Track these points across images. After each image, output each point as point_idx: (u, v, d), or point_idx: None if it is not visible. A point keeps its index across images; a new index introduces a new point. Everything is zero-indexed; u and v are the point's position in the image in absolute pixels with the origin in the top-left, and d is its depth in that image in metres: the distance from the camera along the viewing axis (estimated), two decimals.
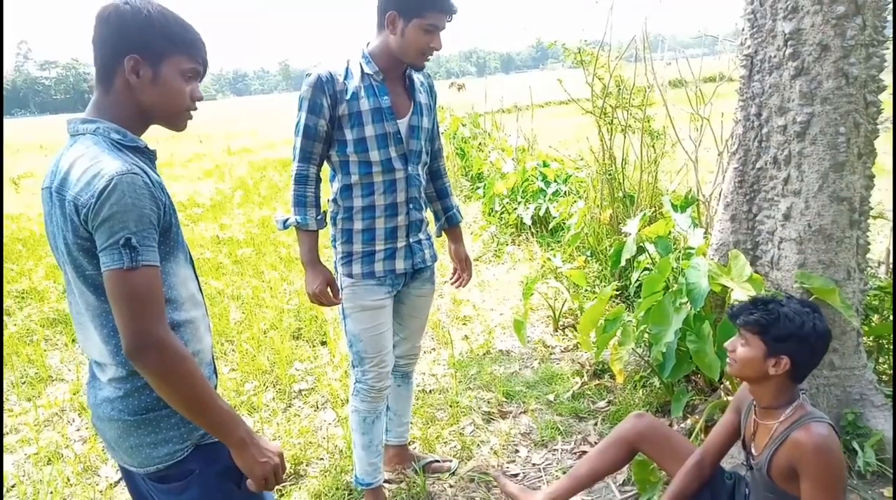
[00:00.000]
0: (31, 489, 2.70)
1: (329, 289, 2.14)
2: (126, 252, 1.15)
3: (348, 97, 2.03)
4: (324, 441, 2.92)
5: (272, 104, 61.36)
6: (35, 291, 5.35)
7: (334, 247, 2.22)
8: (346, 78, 2.05)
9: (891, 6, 2.27)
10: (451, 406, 3.14)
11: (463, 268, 2.52)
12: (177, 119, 1.35)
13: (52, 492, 2.66)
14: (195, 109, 1.37)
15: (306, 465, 2.75)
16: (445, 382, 3.44)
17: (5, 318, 4.74)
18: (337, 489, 2.53)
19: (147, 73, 1.26)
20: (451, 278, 2.54)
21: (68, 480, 2.77)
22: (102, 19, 1.25)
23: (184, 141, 20.38)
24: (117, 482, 2.75)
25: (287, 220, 2.15)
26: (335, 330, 4.15)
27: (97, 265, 1.19)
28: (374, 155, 2.06)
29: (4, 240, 6.69)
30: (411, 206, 2.17)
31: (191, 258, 1.40)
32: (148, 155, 1.31)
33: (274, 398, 3.40)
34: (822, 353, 1.70)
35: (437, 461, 2.65)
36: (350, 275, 2.17)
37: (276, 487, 1.38)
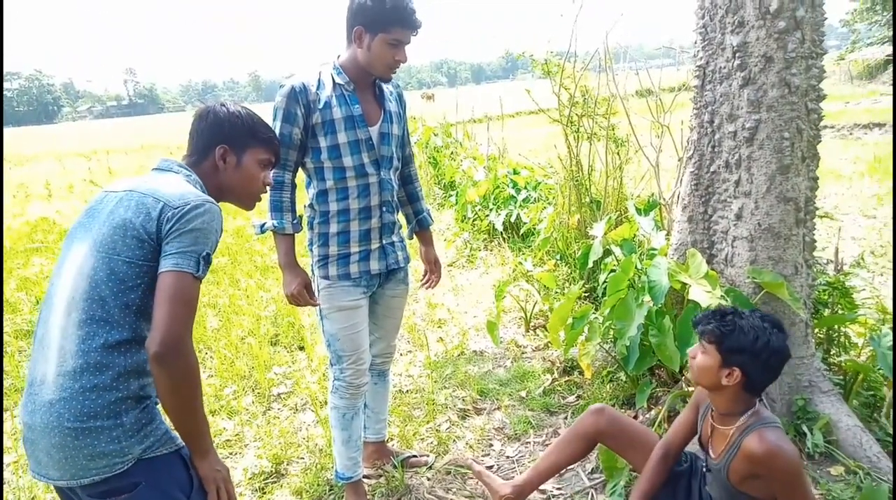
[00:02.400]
0: (13, 496, 2.73)
1: (305, 290, 2.22)
2: (202, 263, 1.36)
3: (321, 106, 2.13)
4: (304, 441, 2.99)
5: None
6: (7, 303, 5.31)
7: (311, 250, 2.31)
8: (318, 88, 2.16)
9: (826, 22, 2.46)
10: (427, 405, 3.24)
11: (433, 270, 2.63)
12: (248, 200, 1.66)
13: (33, 498, 2.69)
14: (265, 192, 1.70)
15: (287, 464, 2.82)
16: (422, 382, 3.54)
17: None
18: (318, 485, 2.61)
19: (232, 160, 1.58)
20: (421, 280, 2.65)
21: (49, 486, 2.80)
22: (202, 116, 1.58)
23: (155, 152, 20.16)
24: None
25: (264, 224, 2.24)
26: (312, 335, 4.22)
27: (135, 256, 1.34)
28: (348, 161, 2.17)
29: None
30: (384, 209, 2.28)
31: None
32: None
33: (253, 402, 3.46)
34: (777, 369, 1.73)
35: (415, 456, 2.75)
36: (327, 277, 2.26)
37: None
